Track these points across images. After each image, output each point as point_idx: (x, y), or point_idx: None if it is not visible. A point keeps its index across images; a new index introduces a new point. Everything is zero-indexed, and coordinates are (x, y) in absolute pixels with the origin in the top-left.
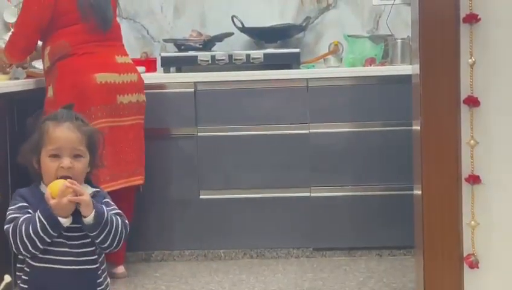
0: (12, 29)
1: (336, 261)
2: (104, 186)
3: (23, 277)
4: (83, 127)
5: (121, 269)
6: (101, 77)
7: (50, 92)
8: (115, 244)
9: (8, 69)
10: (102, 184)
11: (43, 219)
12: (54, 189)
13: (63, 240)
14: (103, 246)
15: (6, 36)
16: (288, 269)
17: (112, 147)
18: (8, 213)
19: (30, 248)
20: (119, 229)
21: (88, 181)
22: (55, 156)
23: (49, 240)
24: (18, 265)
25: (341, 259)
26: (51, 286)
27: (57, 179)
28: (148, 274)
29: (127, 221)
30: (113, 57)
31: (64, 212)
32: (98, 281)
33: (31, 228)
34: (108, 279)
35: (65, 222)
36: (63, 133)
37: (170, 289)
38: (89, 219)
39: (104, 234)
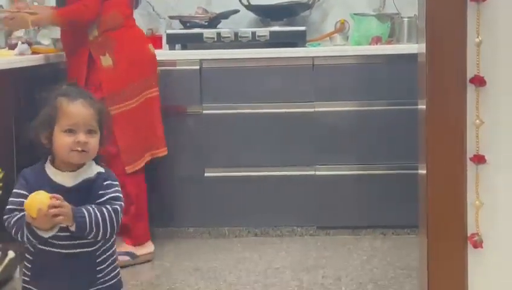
0: (16, 3)
1: (339, 239)
2: (137, 163)
3: (28, 256)
4: (95, 104)
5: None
6: (152, 48)
7: (105, 62)
8: (108, 235)
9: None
10: (134, 163)
11: (27, 233)
12: (31, 207)
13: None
14: (97, 239)
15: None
16: (292, 247)
17: (149, 118)
18: (10, 199)
19: (26, 244)
20: (108, 223)
21: (95, 159)
22: (71, 131)
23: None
24: (26, 245)
25: (345, 238)
26: (52, 267)
27: (71, 152)
28: None
29: (122, 203)
30: None
31: (46, 227)
32: (98, 260)
33: (19, 234)
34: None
35: (48, 233)
36: (78, 109)
37: (174, 266)
38: (72, 228)
39: (92, 234)
